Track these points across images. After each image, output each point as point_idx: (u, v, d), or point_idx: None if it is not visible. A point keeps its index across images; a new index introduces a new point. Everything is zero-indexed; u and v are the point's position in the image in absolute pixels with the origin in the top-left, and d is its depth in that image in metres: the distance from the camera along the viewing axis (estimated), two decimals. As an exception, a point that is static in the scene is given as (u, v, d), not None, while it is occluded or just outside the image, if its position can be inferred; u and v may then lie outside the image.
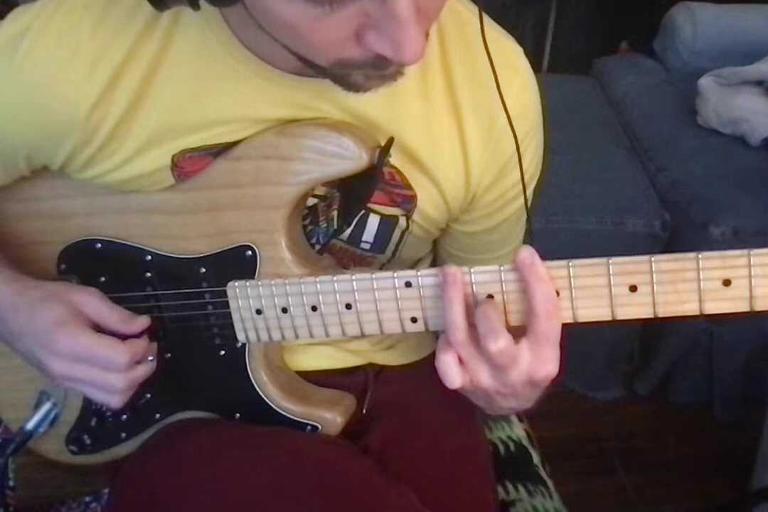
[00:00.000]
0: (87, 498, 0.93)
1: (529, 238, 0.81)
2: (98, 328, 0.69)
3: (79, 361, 0.67)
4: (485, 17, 0.64)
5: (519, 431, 0.98)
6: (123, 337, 0.69)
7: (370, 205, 0.72)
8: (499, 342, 0.58)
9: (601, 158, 1.81)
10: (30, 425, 0.79)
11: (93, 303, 0.70)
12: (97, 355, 0.67)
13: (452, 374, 0.61)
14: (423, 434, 0.81)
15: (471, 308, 0.61)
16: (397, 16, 0.48)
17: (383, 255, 0.77)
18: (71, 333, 0.67)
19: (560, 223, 1.61)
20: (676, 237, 1.63)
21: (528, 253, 0.59)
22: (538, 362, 0.60)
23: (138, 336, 0.71)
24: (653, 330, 1.76)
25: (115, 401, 0.70)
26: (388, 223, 0.74)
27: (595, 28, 2.73)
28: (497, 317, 0.59)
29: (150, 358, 0.72)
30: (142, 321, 0.72)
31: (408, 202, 0.72)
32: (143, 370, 0.70)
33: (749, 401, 1.74)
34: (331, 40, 0.52)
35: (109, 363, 0.67)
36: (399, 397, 0.84)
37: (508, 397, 0.64)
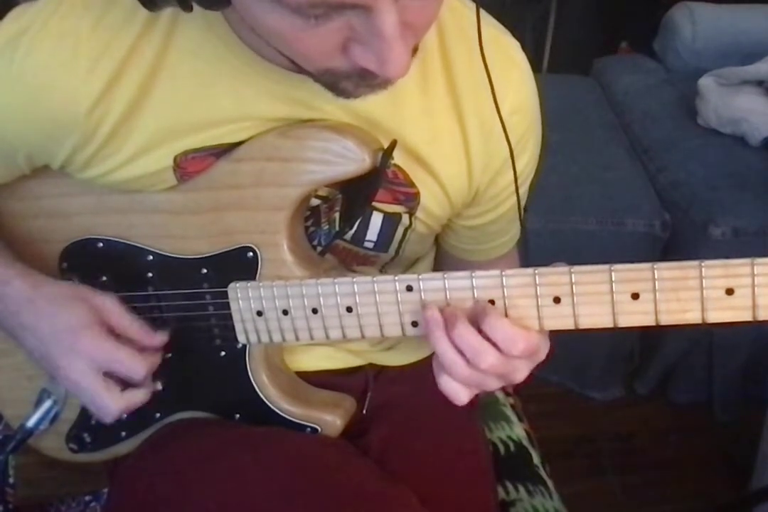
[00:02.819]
0: (87, 498, 0.93)
1: (523, 235, 0.82)
2: (116, 336, 0.70)
3: (97, 365, 0.68)
4: (483, 14, 0.64)
5: (519, 431, 0.98)
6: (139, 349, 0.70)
7: (374, 203, 0.72)
8: (489, 359, 0.59)
9: (601, 158, 1.81)
10: (30, 422, 0.79)
11: (117, 311, 0.70)
12: (118, 363, 0.68)
13: (462, 397, 0.63)
14: (423, 434, 0.81)
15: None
16: (381, 33, 0.48)
17: (386, 253, 0.77)
18: (97, 337, 0.68)
19: (560, 223, 1.61)
20: (676, 237, 1.63)
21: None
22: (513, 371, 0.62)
23: (154, 351, 0.72)
24: (653, 331, 1.76)
25: (107, 416, 0.71)
26: (391, 221, 0.74)
27: (595, 28, 2.73)
28: (475, 337, 0.60)
29: (159, 387, 0.73)
30: (162, 336, 0.72)
31: (411, 199, 0.72)
32: (139, 397, 0.72)
33: (749, 401, 1.74)
34: (317, 50, 0.52)
35: (127, 372, 0.69)
36: (399, 398, 0.84)
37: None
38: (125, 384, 0.70)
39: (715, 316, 0.57)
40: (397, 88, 0.59)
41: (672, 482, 1.65)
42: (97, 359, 0.68)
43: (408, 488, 0.73)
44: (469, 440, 0.85)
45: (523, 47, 0.72)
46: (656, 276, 0.57)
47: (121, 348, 0.69)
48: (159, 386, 0.74)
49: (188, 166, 0.68)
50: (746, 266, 0.55)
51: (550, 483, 0.92)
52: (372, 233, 0.75)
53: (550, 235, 1.58)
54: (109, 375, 0.69)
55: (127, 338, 0.70)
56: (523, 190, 0.76)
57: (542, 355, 0.63)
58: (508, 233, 0.83)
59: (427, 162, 0.70)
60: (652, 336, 1.78)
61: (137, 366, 0.69)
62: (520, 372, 0.62)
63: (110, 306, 0.70)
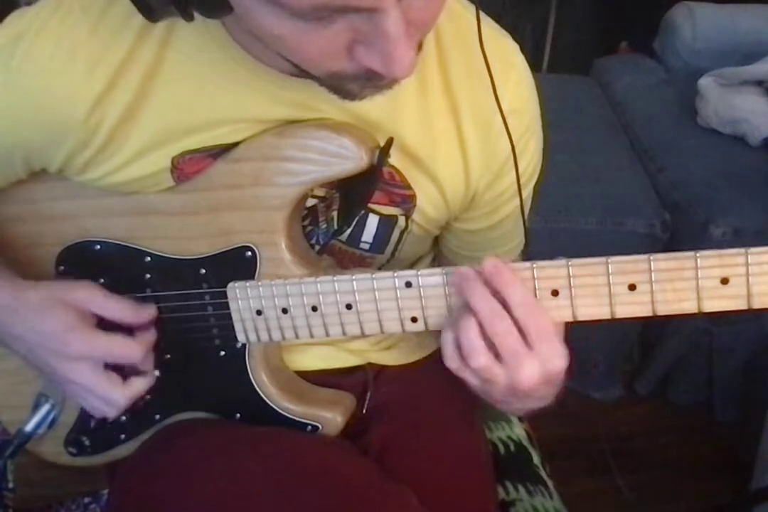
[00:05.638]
0: (86, 500, 0.93)
1: (527, 237, 0.81)
2: (103, 322, 0.70)
3: (93, 361, 0.69)
4: (482, 15, 0.64)
5: (519, 431, 0.98)
6: (129, 328, 0.71)
7: (370, 205, 0.72)
8: (480, 360, 0.60)
9: (601, 158, 1.81)
10: (28, 427, 0.79)
11: (96, 297, 0.70)
12: (114, 354, 0.69)
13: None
14: (423, 434, 0.81)
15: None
16: (385, 33, 0.48)
17: (382, 255, 0.77)
18: (84, 336, 0.68)
19: (560, 223, 1.61)
20: (676, 237, 1.62)
21: (491, 264, 0.61)
22: (548, 357, 0.60)
23: (146, 327, 0.72)
24: (653, 331, 1.76)
25: (113, 410, 0.71)
26: (387, 223, 0.74)
27: (595, 28, 2.73)
28: (476, 334, 0.60)
29: (156, 373, 0.73)
30: (150, 310, 0.73)
31: (407, 201, 0.72)
32: (143, 384, 0.72)
33: (749, 401, 1.74)
34: (322, 53, 0.52)
35: (126, 359, 0.69)
36: (399, 397, 0.84)
37: (524, 399, 0.65)
38: (124, 375, 0.71)
39: (711, 305, 0.58)
40: (396, 89, 0.59)
41: (672, 482, 1.65)
42: (92, 356, 0.69)
43: (408, 487, 0.73)
44: (469, 439, 0.85)
45: (523, 47, 0.72)
46: (652, 268, 0.58)
47: (111, 338, 0.69)
48: (156, 373, 0.74)
49: (186, 167, 0.68)
50: (740, 256, 0.57)
51: (550, 483, 0.92)
52: (368, 235, 0.75)
53: (550, 234, 1.58)
54: (108, 367, 0.70)
55: (115, 320, 0.71)
56: (525, 193, 0.75)
57: (554, 367, 0.61)
58: (512, 241, 0.82)
59: (424, 164, 0.70)
60: (652, 337, 1.78)
61: (133, 350, 0.69)
62: (527, 367, 0.60)
63: (88, 294, 0.70)
